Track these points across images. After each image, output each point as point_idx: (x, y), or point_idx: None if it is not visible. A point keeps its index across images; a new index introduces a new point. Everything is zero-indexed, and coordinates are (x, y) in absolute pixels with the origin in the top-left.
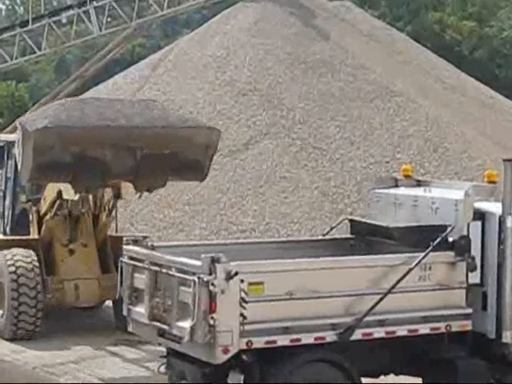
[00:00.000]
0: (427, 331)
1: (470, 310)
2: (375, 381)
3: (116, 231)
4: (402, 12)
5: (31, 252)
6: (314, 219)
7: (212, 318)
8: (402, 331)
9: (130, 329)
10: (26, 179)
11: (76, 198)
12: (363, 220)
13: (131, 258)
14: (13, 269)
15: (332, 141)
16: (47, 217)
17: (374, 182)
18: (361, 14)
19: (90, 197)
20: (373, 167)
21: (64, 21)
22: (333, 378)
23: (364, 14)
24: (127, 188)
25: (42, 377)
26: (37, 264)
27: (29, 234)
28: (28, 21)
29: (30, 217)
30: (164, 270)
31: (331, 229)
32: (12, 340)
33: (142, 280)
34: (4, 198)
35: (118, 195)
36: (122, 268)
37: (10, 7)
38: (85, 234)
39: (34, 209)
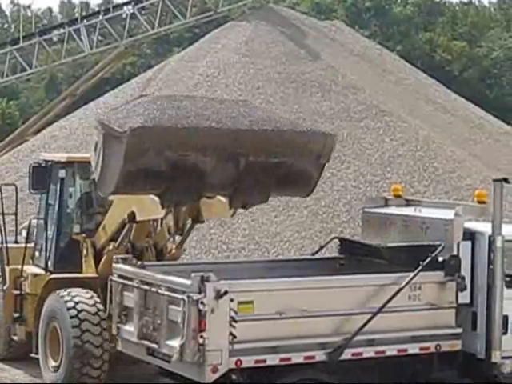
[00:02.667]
0: (417, 351)
1: (459, 330)
2: None
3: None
4: (393, 32)
5: (92, 293)
6: (304, 238)
7: (201, 336)
8: (391, 351)
9: (119, 347)
10: (108, 191)
11: (161, 215)
12: (353, 239)
13: (121, 277)
14: (74, 312)
15: None
16: (108, 248)
17: (364, 201)
18: (351, 33)
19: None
20: (363, 187)
21: (55, 39)
22: None
23: (354, 33)
24: (210, 208)
25: None
26: (101, 307)
27: (76, 271)
28: (19, 39)
29: (84, 251)
30: (153, 289)
31: (321, 248)
32: None
33: (131, 298)
34: (46, 228)
35: (196, 218)
36: (111, 286)
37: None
38: None
39: (88, 241)
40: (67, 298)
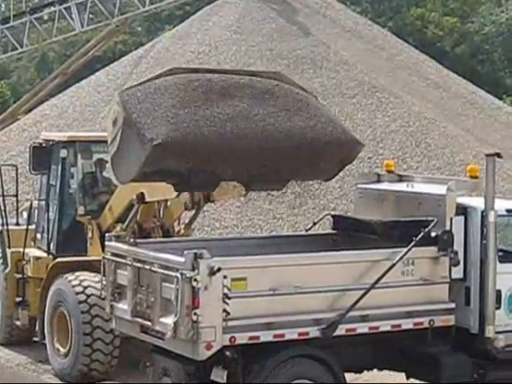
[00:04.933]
0: (410, 326)
1: (452, 305)
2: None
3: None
4: (384, 8)
5: (100, 276)
6: (297, 215)
7: (195, 314)
8: (385, 326)
9: (112, 325)
10: (123, 181)
11: (173, 195)
12: (346, 215)
13: (114, 255)
14: (83, 297)
15: None
16: (116, 230)
17: (356, 177)
18: (343, 10)
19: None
20: (355, 163)
21: (46, 17)
22: (316, 374)
23: (346, 10)
24: (223, 190)
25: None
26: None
27: (82, 253)
28: (9, 17)
29: (90, 233)
30: (147, 267)
31: (314, 224)
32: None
33: (124, 276)
34: (47, 209)
35: (207, 198)
36: (104, 264)
37: None
38: None
39: (94, 223)
40: (75, 283)
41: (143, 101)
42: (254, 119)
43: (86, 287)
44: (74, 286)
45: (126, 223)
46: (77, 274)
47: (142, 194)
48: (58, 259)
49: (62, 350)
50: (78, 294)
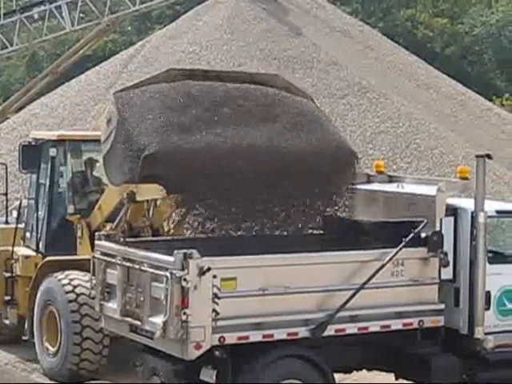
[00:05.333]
0: (400, 327)
1: (442, 306)
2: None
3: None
4: (374, 9)
5: (90, 276)
6: None
7: (184, 313)
8: (374, 327)
9: (101, 325)
10: (115, 183)
11: (163, 195)
12: (336, 216)
13: (103, 254)
14: (73, 296)
15: None
16: (105, 229)
17: None
18: (333, 10)
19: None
20: None
21: (36, 16)
22: (305, 374)
23: (336, 10)
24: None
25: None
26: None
27: (71, 252)
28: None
29: (79, 232)
30: (136, 266)
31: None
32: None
33: (114, 276)
34: (36, 208)
35: (132, 197)
36: (94, 264)
37: None
38: None
39: (83, 222)
40: (65, 282)
41: (138, 106)
42: (243, 137)
43: (75, 286)
44: (63, 286)
45: (115, 222)
46: (66, 272)
47: (133, 192)
48: (48, 258)
49: (51, 348)
50: (67, 293)
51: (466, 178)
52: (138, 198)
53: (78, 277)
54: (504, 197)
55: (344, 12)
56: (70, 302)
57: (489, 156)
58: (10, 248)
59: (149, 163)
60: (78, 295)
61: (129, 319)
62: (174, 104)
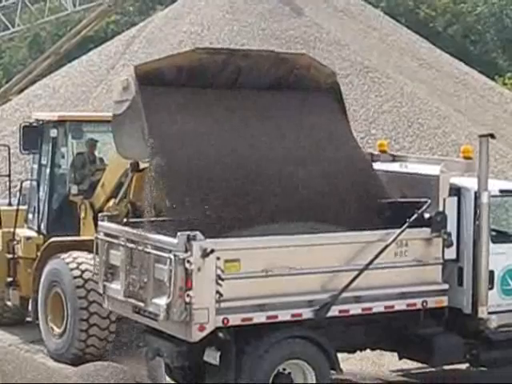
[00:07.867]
0: (403, 307)
1: (446, 286)
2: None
3: None
4: None
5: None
6: None
7: (188, 295)
8: (378, 308)
9: (105, 305)
10: (124, 155)
11: None
12: None
13: (107, 235)
14: (77, 273)
15: None
16: (108, 205)
17: None
18: None
19: None
20: None
21: None
22: (309, 355)
23: None
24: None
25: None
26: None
27: (72, 233)
28: None
29: (83, 213)
30: (140, 247)
31: None
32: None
33: (117, 257)
34: (38, 189)
35: (136, 167)
36: (97, 244)
37: None
38: None
39: (87, 203)
40: (69, 260)
41: (158, 95)
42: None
43: (80, 263)
44: (68, 263)
45: (118, 197)
46: (74, 255)
47: (136, 162)
48: (53, 239)
49: (56, 329)
50: (75, 278)
51: (470, 158)
52: (142, 166)
53: (86, 260)
54: (507, 176)
55: None
56: (78, 287)
57: (492, 136)
58: (12, 229)
59: (157, 156)
60: (82, 271)
61: (132, 300)
62: (194, 104)
